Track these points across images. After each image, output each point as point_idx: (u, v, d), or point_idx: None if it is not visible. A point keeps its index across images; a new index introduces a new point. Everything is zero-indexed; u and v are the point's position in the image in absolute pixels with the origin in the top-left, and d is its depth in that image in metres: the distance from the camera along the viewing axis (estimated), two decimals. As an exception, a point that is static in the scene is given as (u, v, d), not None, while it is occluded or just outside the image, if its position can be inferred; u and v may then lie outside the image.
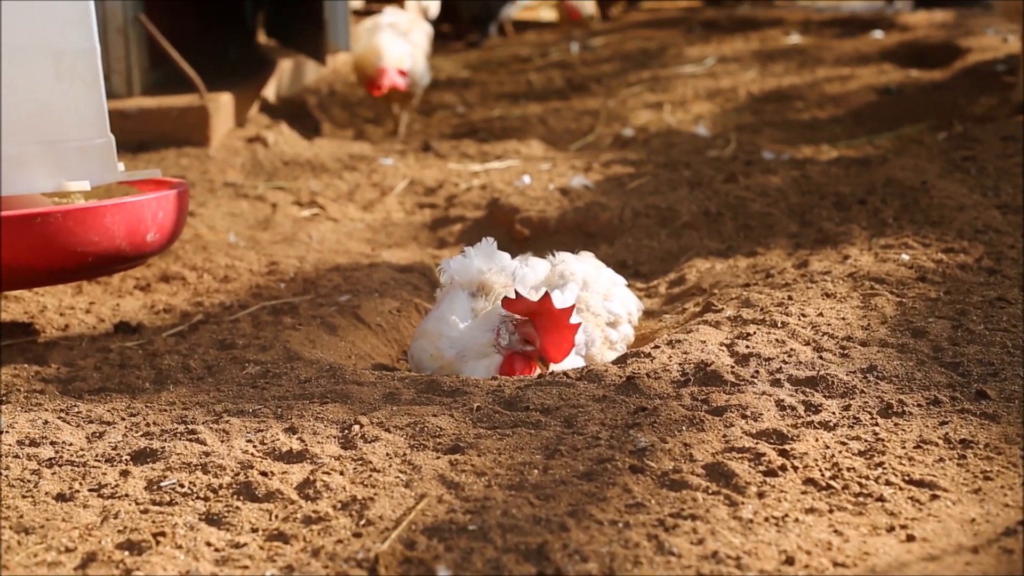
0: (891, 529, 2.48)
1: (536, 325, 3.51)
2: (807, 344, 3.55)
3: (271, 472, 2.74)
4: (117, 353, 3.93)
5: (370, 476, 2.71)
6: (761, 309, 3.89)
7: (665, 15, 14.41)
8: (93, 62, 4.06)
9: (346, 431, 2.98)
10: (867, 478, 2.69)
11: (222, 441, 2.96)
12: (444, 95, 10.17)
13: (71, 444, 3.01)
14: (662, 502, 2.56)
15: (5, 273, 3.74)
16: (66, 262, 3.81)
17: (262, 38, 10.94)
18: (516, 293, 3.52)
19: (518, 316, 3.55)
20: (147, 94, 7.64)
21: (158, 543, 2.45)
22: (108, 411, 3.26)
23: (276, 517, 2.56)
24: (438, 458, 2.80)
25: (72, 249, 3.78)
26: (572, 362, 3.63)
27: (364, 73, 8.29)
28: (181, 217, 4.21)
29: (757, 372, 3.33)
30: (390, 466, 2.76)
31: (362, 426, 2.99)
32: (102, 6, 7.16)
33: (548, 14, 16.15)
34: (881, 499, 2.60)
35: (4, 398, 3.44)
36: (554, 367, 3.55)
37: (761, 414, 3.03)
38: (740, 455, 2.78)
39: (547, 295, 3.48)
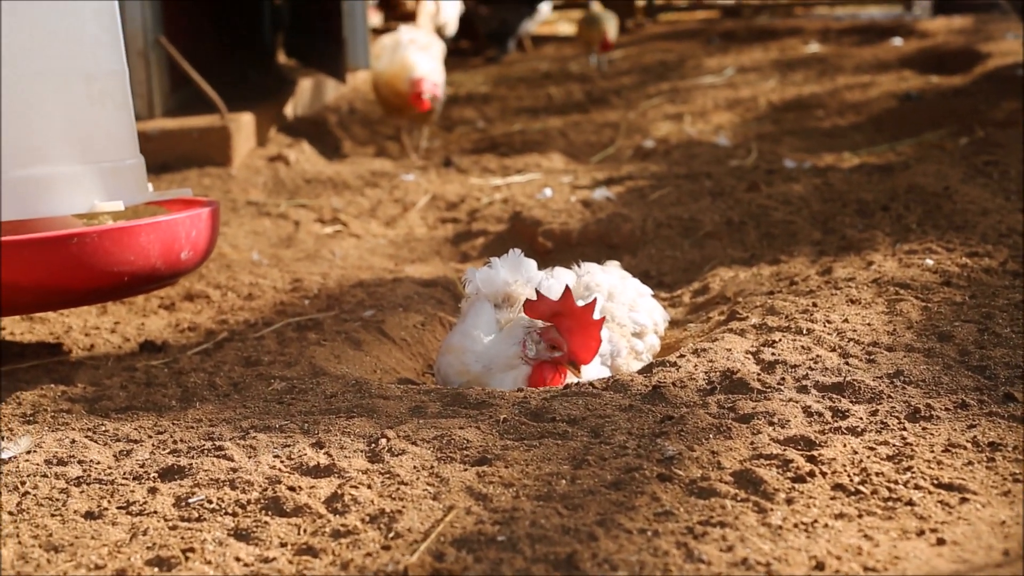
0: (921, 533, 2.47)
1: (560, 328, 3.51)
2: (833, 350, 3.54)
3: (299, 487, 2.75)
4: (143, 372, 3.94)
5: (398, 489, 2.71)
6: (786, 316, 3.88)
7: (683, 27, 14.43)
8: (123, 83, 4.10)
9: (373, 445, 2.98)
10: (896, 482, 2.68)
11: (249, 457, 2.96)
12: (464, 110, 10.20)
13: (99, 462, 3.01)
14: (691, 510, 2.55)
15: (42, 294, 3.78)
16: (102, 282, 3.83)
17: (281, 58, 11.00)
18: (537, 294, 3.52)
19: (541, 323, 3.54)
20: (168, 116, 7.68)
21: (187, 559, 2.46)
22: (135, 429, 3.27)
23: (305, 531, 2.56)
24: (465, 470, 2.80)
25: (108, 269, 3.80)
26: (598, 372, 3.63)
27: (394, 89, 8.29)
28: (213, 235, 4.23)
29: (783, 379, 3.32)
30: (418, 479, 2.76)
31: (389, 440, 2.99)
32: (122, 30, 7.20)
33: (566, 28, 16.18)
34: (910, 503, 2.59)
35: (31, 418, 3.46)
36: (582, 376, 3.54)
37: (788, 421, 3.02)
38: (768, 462, 2.77)
39: (568, 292, 3.48)
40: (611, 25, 11.57)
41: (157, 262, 3.91)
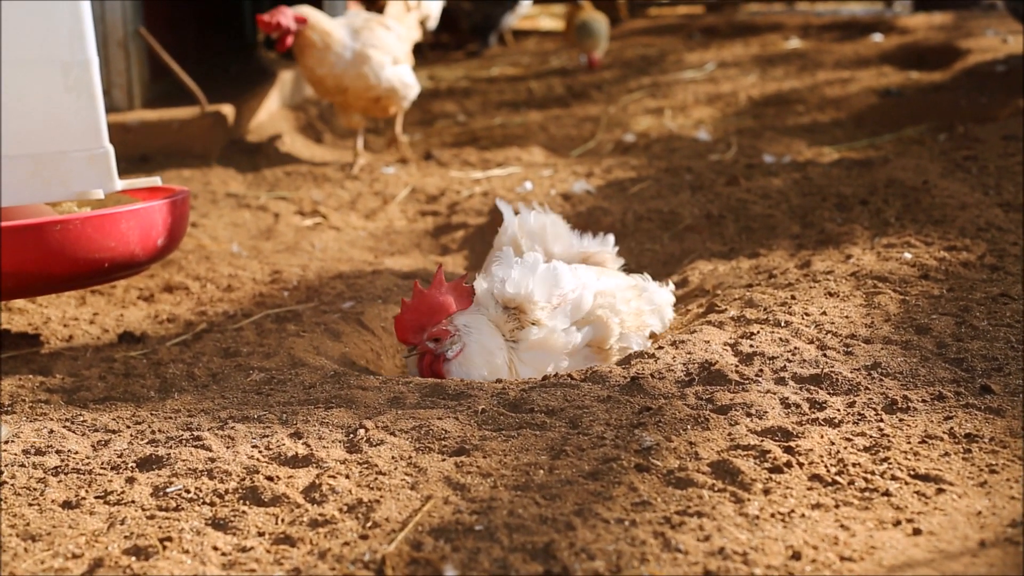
0: (897, 523, 2.49)
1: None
2: (811, 342, 3.55)
3: (277, 477, 2.75)
4: (121, 363, 3.93)
5: (376, 479, 2.71)
6: (764, 309, 3.89)
7: (664, 22, 14.43)
8: (95, 73, 4.11)
9: (351, 435, 2.98)
10: (873, 473, 2.69)
11: (227, 447, 2.96)
12: (445, 104, 10.19)
13: (77, 452, 3.01)
14: (668, 500, 2.56)
15: (24, 280, 3.82)
16: (83, 268, 3.88)
17: (262, 50, 10.96)
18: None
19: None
20: (148, 107, 7.66)
21: (165, 548, 2.45)
22: (113, 419, 3.27)
23: (282, 521, 2.56)
24: (443, 460, 2.80)
25: (90, 256, 3.86)
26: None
27: (313, 75, 7.42)
28: (185, 223, 4.30)
29: (761, 371, 3.33)
30: (396, 469, 2.76)
31: (367, 430, 2.99)
32: (102, 20, 7.18)
33: (548, 23, 16.18)
34: (887, 494, 2.60)
35: (9, 408, 3.45)
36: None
37: (766, 412, 3.03)
38: (745, 453, 2.78)
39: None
40: (602, 42, 11.39)
41: (136, 248, 3.97)
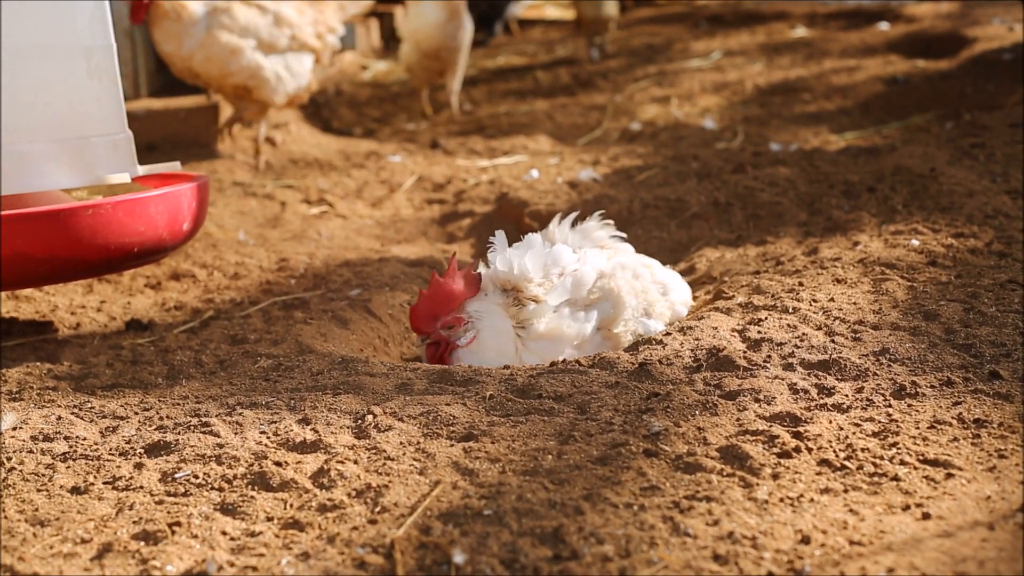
0: (906, 508, 2.48)
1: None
2: (819, 328, 3.55)
3: (285, 462, 2.75)
4: (129, 350, 3.93)
5: (384, 464, 2.71)
6: (772, 295, 3.88)
7: (670, 10, 14.40)
8: (114, 58, 4.12)
9: (359, 421, 2.98)
10: (881, 458, 2.69)
11: (235, 433, 2.96)
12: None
13: (85, 439, 3.01)
14: (677, 485, 2.56)
15: (56, 265, 3.82)
16: (113, 253, 3.88)
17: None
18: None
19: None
20: (154, 96, 7.66)
21: (173, 533, 2.46)
22: (121, 406, 3.27)
23: (291, 506, 2.57)
24: (452, 446, 2.80)
25: (120, 240, 3.86)
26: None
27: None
28: (206, 207, 4.33)
29: (769, 357, 3.33)
30: (404, 454, 2.76)
31: (375, 416, 2.99)
32: (110, 7, 7.17)
33: (554, 12, 16.15)
34: (896, 478, 2.60)
35: (17, 395, 3.45)
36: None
37: (774, 398, 3.03)
38: (754, 438, 2.78)
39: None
40: (610, 4, 11.24)
41: (163, 232, 3.98)
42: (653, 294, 3.86)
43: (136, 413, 3.21)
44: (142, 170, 4.23)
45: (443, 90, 9.39)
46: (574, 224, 4.05)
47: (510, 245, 3.79)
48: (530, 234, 3.85)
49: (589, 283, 3.72)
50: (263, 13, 6.60)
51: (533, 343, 3.65)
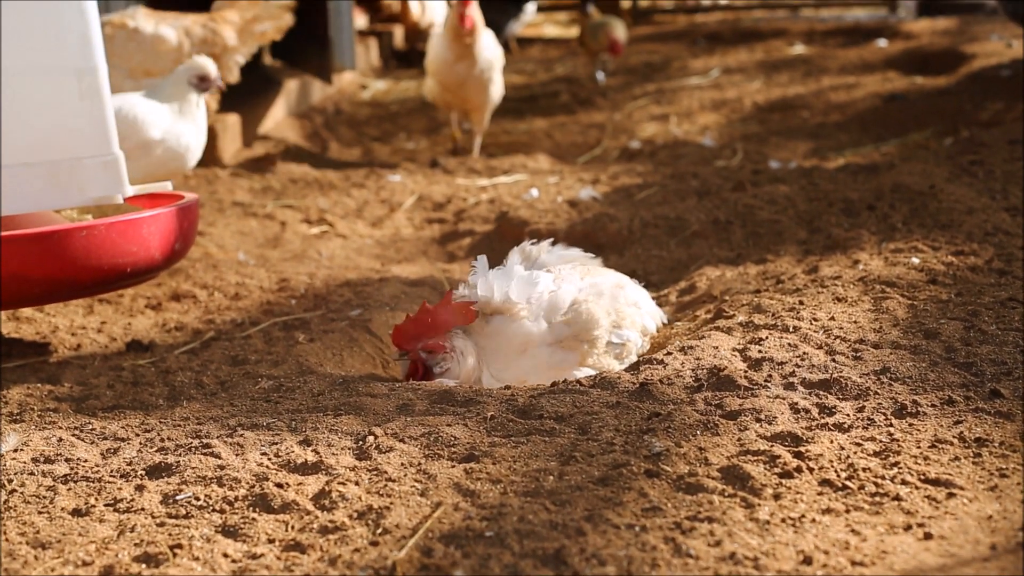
0: (908, 528, 2.48)
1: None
2: (819, 348, 3.55)
3: (286, 484, 2.75)
4: (130, 371, 3.93)
5: (385, 486, 2.71)
6: (772, 314, 3.89)
7: (669, 28, 14.44)
8: (105, 79, 4.13)
9: (360, 442, 2.98)
10: (883, 478, 2.69)
11: (237, 454, 2.96)
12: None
13: (86, 460, 3.01)
14: (678, 505, 2.56)
15: (51, 286, 3.84)
16: (107, 274, 3.91)
17: (268, 59, 10.97)
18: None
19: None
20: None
21: (175, 555, 2.45)
22: (122, 428, 3.27)
23: (292, 528, 2.56)
24: (453, 467, 2.80)
25: (114, 261, 3.88)
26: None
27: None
28: (196, 227, 4.35)
29: (770, 376, 3.33)
30: (405, 475, 2.76)
31: (376, 437, 2.99)
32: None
33: (553, 30, 16.18)
34: (897, 498, 2.60)
35: (18, 417, 3.45)
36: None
37: (775, 417, 3.03)
38: (755, 458, 2.78)
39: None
40: (618, 26, 11.19)
41: (156, 253, 4.01)
42: (625, 309, 3.94)
43: (137, 435, 3.21)
44: (132, 190, 4.24)
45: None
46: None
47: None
48: (512, 252, 3.99)
49: (564, 307, 3.81)
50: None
51: (487, 340, 3.80)
